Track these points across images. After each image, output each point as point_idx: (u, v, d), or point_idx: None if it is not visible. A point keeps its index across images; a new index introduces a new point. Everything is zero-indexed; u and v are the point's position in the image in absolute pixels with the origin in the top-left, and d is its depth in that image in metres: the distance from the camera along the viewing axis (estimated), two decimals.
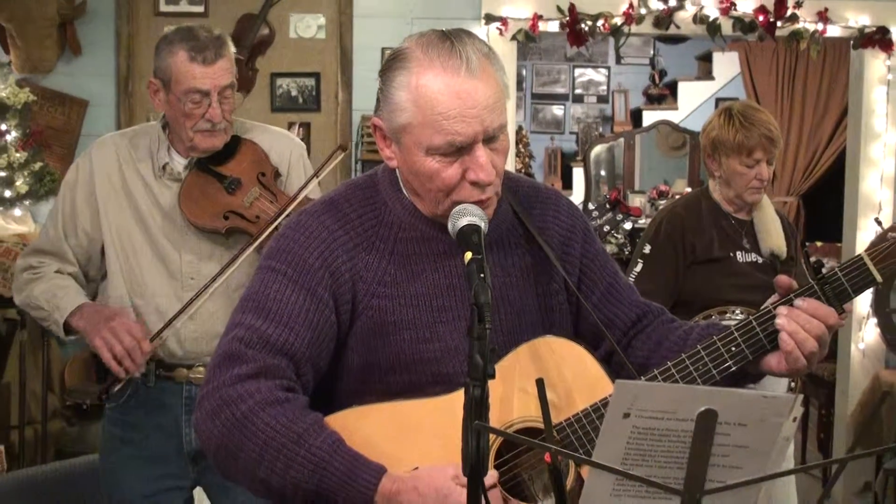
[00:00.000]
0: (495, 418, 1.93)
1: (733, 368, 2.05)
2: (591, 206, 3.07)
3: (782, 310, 2.02)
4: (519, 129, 10.55)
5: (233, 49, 3.14)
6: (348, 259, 2.06)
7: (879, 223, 2.07)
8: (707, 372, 2.04)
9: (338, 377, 2.10)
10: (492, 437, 1.99)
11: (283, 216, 3.05)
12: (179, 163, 3.18)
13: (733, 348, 2.05)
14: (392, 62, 2.02)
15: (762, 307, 2.07)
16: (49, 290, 3.14)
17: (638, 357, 2.23)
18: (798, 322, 2.00)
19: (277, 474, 1.91)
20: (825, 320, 2.01)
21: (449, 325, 2.08)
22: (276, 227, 3.02)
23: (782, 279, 2.07)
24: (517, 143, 10.01)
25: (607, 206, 3.11)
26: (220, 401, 1.95)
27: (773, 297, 2.07)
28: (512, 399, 2.04)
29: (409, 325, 2.06)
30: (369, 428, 2.00)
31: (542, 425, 2.02)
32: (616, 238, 3.04)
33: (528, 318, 2.16)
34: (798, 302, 2.02)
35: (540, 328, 2.15)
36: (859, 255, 2.07)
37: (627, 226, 3.11)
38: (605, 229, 3.08)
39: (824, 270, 2.07)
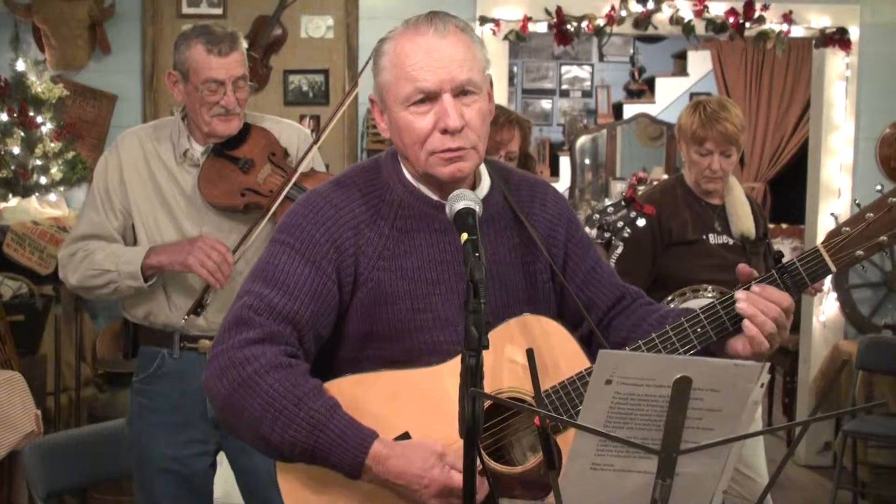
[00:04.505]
0: (485, 386, 1.93)
1: (699, 348, 2.04)
2: (607, 202, 3.07)
3: (741, 294, 2.02)
4: None
5: (245, 45, 3.18)
6: (352, 235, 2.05)
7: (835, 217, 2.08)
8: (674, 351, 2.03)
9: (338, 345, 2.09)
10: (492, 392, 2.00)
11: (291, 182, 3.11)
12: (197, 149, 3.20)
13: (699, 329, 2.04)
14: (382, 39, 2.07)
15: (727, 294, 2.06)
16: (111, 253, 3.12)
17: (618, 336, 2.22)
18: (757, 306, 2.00)
19: (277, 433, 1.90)
20: (779, 303, 2.00)
21: (442, 297, 2.06)
22: (286, 196, 3.08)
23: (743, 268, 2.07)
24: None
25: (622, 203, 3.09)
26: (227, 362, 1.94)
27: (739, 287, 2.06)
28: (502, 369, 2.03)
29: (405, 296, 2.05)
30: (364, 394, 2.00)
31: (526, 395, 2.03)
32: (627, 233, 2.99)
33: (515, 294, 2.15)
34: (754, 287, 2.02)
35: (526, 303, 2.14)
36: (816, 247, 2.07)
37: (641, 223, 3.08)
38: (618, 225, 3.06)
39: (784, 260, 2.07)
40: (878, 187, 2.16)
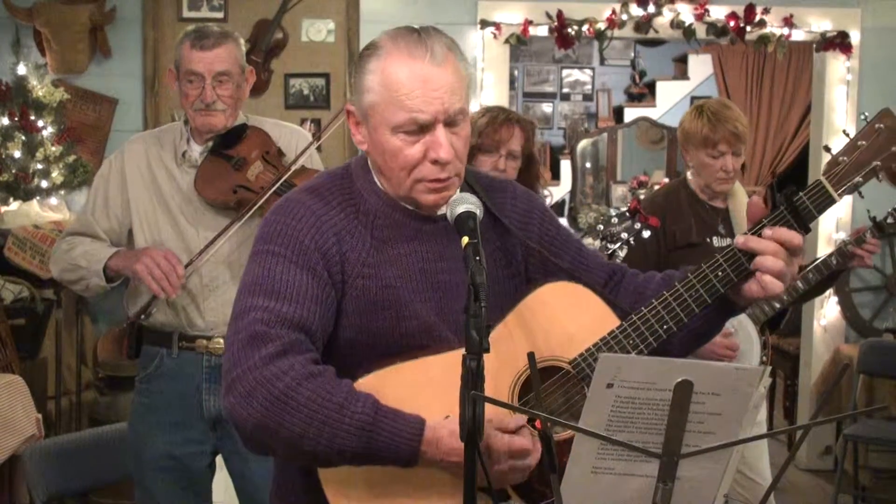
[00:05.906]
0: (536, 352, 1.87)
1: (722, 291, 2.05)
2: (612, 213, 3.07)
3: (739, 236, 2.05)
4: None
5: (240, 45, 3.24)
6: (336, 242, 2.02)
7: (828, 150, 2.08)
8: (700, 297, 2.05)
9: (327, 352, 2.04)
10: (518, 374, 2.04)
11: (284, 177, 3.18)
12: (196, 149, 3.28)
13: (720, 273, 2.05)
14: (365, 51, 2.05)
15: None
16: (86, 251, 3.23)
17: (622, 308, 2.19)
18: (762, 246, 2.01)
19: (324, 444, 1.85)
20: (789, 242, 2.01)
21: (424, 304, 2.05)
22: (276, 191, 3.14)
23: (754, 200, 2.12)
24: None
25: (627, 214, 3.09)
26: (254, 382, 1.86)
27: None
28: (536, 338, 2.06)
29: (389, 305, 2.03)
30: (392, 388, 1.96)
31: (564, 362, 2.05)
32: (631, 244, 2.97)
33: (493, 301, 2.12)
34: (765, 231, 2.03)
35: (498, 310, 2.10)
36: (818, 179, 2.11)
37: (646, 234, 3.09)
38: (622, 236, 3.06)
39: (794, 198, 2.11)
40: (863, 115, 2.23)
